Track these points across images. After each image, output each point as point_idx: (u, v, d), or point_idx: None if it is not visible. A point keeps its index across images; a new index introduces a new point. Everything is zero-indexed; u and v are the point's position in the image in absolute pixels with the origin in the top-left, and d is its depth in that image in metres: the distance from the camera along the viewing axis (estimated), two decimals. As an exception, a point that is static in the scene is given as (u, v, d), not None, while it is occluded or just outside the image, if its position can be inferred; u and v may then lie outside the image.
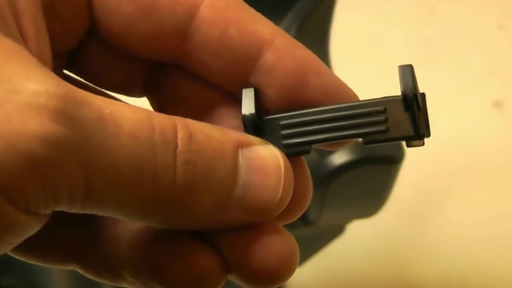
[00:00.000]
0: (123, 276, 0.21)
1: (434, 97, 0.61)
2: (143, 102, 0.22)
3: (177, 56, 0.21)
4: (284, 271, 0.21)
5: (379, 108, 0.20)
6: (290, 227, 0.31)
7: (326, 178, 0.27)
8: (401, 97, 0.19)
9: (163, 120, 0.19)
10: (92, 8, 0.21)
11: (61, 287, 0.36)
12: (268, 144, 0.20)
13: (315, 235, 0.33)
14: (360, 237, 0.48)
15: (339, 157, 0.27)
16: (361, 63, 0.57)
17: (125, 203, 0.19)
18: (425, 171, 0.53)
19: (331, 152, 0.27)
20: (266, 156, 0.20)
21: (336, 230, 0.33)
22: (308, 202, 0.22)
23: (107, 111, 0.18)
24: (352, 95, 0.21)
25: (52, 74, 0.17)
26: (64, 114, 0.17)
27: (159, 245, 0.20)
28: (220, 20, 0.21)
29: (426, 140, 0.20)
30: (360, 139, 0.20)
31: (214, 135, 0.19)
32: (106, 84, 0.22)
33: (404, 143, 0.21)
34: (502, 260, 0.51)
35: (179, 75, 0.22)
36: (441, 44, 0.60)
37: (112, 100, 0.18)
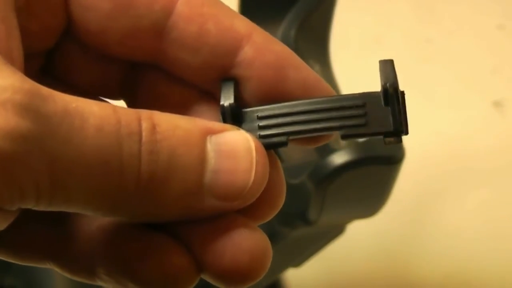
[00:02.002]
0: (98, 274, 0.21)
1: (434, 97, 0.62)
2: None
3: (154, 55, 0.21)
4: (256, 269, 0.21)
5: (359, 102, 0.20)
6: (290, 227, 0.31)
7: (326, 178, 0.27)
8: (381, 92, 0.19)
9: (128, 113, 0.19)
10: (68, 5, 0.21)
11: (60, 287, 0.36)
12: (239, 129, 0.20)
13: (315, 235, 0.33)
14: (360, 237, 0.48)
15: (339, 157, 0.27)
16: (361, 63, 0.57)
17: (92, 197, 0.19)
18: (425, 171, 0.53)
19: (331, 152, 0.27)
20: (236, 140, 0.20)
21: (336, 230, 0.33)
22: (281, 201, 0.22)
23: (73, 105, 0.18)
24: (330, 90, 0.22)
25: (18, 71, 0.18)
26: (30, 108, 0.17)
27: (132, 243, 0.20)
28: (197, 16, 0.21)
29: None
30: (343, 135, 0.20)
31: (179, 123, 0.19)
32: (83, 84, 0.22)
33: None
34: (502, 260, 0.51)
35: (156, 75, 0.22)
36: (441, 44, 0.60)
37: (78, 97, 0.18)
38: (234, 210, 0.20)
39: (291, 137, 0.20)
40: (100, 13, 0.21)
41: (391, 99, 0.19)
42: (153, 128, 0.19)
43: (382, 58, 0.21)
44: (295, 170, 0.29)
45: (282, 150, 0.29)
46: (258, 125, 0.20)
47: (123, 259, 0.21)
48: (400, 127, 0.19)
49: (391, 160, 0.28)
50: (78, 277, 0.21)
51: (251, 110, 0.21)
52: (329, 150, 0.29)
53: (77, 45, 0.21)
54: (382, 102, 0.19)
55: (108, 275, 0.21)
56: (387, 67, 0.19)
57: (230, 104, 0.20)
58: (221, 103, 0.20)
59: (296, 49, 0.32)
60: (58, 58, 0.22)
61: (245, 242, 0.20)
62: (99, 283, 0.21)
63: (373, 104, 0.20)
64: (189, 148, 0.19)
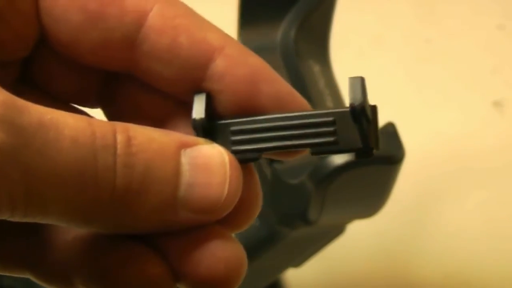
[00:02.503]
0: (75, 284, 0.21)
1: (434, 97, 0.62)
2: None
3: (127, 65, 0.21)
4: (231, 278, 0.21)
5: (329, 119, 0.20)
6: (290, 227, 0.31)
7: (326, 178, 0.27)
8: (349, 111, 0.19)
9: (104, 125, 0.19)
10: (40, 16, 0.21)
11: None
12: (213, 143, 0.20)
13: (315, 235, 0.33)
14: (360, 237, 0.48)
15: (339, 157, 0.27)
16: (361, 63, 0.57)
17: (67, 208, 0.19)
18: (425, 171, 0.53)
19: (331, 152, 0.27)
20: (210, 154, 0.20)
21: (336, 230, 0.34)
22: (257, 211, 0.22)
23: (48, 117, 0.18)
24: (303, 103, 0.21)
25: None
26: (4, 120, 0.17)
27: (108, 253, 0.21)
28: (170, 29, 0.21)
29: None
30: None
31: (154, 137, 0.20)
32: (61, 93, 0.22)
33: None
34: (502, 260, 0.51)
35: (132, 85, 0.22)
36: (441, 44, 0.60)
37: (54, 109, 0.19)
38: (208, 222, 0.21)
39: (263, 153, 0.20)
40: (70, 24, 0.21)
41: (358, 118, 0.19)
42: (128, 140, 0.19)
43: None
44: (295, 170, 0.29)
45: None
46: (231, 139, 0.20)
47: (100, 269, 0.21)
48: (368, 145, 0.20)
49: (391, 160, 0.28)
50: (55, 286, 0.21)
51: (224, 124, 0.21)
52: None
53: (52, 54, 0.22)
54: (352, 120, 0.19)
55: (85, 285, 0.21)
56: (356, 85, 0.19)
57: (201, 118, 0.20)
58: (193, 117, 0.20)
59: (296, 49, 0.33)
60: (34, 67, 0.22)
61: (221, 252, 0.21)
62: None
63: (343, 120, 0.20)
64: (164, 161, 0.20)
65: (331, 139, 0.20)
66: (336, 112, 0.20)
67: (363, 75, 0.20)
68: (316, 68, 0.33)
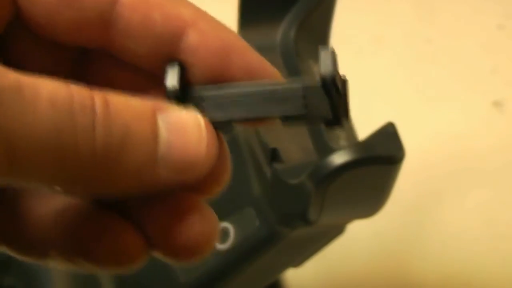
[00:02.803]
0: (51, 256, 0.22)
1: (434, 97, 0.62)
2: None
3: (103, 42, 0.22)
4: (204, 246, 0.22)
5: (299, 89, 0.21)
6: (290, 227, 0.31)
7: (326, 178, 0.27)
8: (319, 82, 0.20)
9: (82, 89, 0.20)
10: None
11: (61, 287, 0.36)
12: (186, 108, 0.21)
13: (315, 235, 0.33)
14: (360, 237, 0.48)
15: (339, 157, 0.27)
16: (361, 63, 0.57)
17: (49, 171, 0.19)
18: (425, 171, 0.53)
19: (331, 152, 0.27)
20: (186, 116, 0.21)
21: (336, 230, 0.33)
22: (228, 177, 0.23)
23: (26, 80, 0.19)
24: (275, 74, 0.22)
25: None
26: None
27: (85, 225, 0.21)
28: (143, 5, 0.22)
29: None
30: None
31: (131, 101, 0.20)
32: (35, 70, 0.22)
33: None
34: (502, 261, 0.51)
35: (107, 61, 0.23)
36: (441, 44, 0.60)
37: (31, 74, 0.19)
38: (187, 183, 0.21)
39: (234, 121, 0.21)
40: (45, 5, 0.21)
41: (328, 89, 0.20)
42: (106, 103, 0.20)
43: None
44: (295, 170, 0.29)
45: (281, 150, 0.30)
46: (203, 108, 0.21)
47: (76, 240, 0.21)
48: (338, 115, 0.20)
49: (391, 160, 0.28)
50: (31, 258, 0.22)
51: (196, 92, 0.22)
52: (329, 150, 0.29)
53: (26, 32, 0.22)
54: (322, 90, 0.20)
55: (61, 256, 0.22)
56: (327, 57, 0.20)
57: (174, 87, 0.21)
58: (166, 85, 0.21)
59: (296, 49, 0.33)
60: (9, 44, 0.22)
61: (194, 221, 0.22)
62: (51, 264, 0.22)
63: (313, 90, 0.20)
64: (142, 122, 0.20)
65: (301, 109, 0.20)
66: (307, 82, 0.20)
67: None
68: (316, 68, 0.33)
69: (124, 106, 0.20)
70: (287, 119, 0.21)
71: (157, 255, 0.22)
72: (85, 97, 0.19)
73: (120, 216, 0.22)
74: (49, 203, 0.22)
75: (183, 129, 0.21)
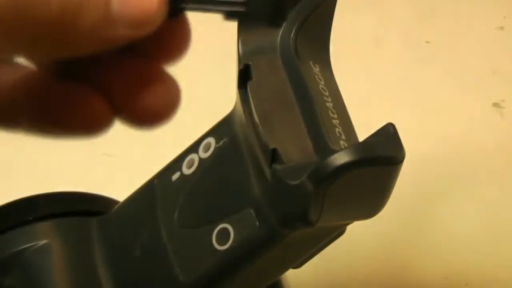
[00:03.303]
0: (21, 123, 0.23)
1: (434, 98, 0.62)
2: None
3: None
4: (166, 112, 0.25)
5: None
6: (290, 227, 0.31)
7: (326, 179, 0.27)
8: None
9: None
10: None
11: None
12: None
13: (315, 236, 0.33)
14: (360, 238, 0.48)
15: (339, 158, 0.27)
16: (361, 64, 0.57)
17: (9, 37, 0.21)
18: (425, 172, 0.53)
19: (331, 153, 0.27)
20: None
21: (336, 231, 0.33)
22: (188, 45, 0.26)
23: None
24: None
25: None
26: None
27: (51, 91, 0.23)
28: None
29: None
30: None
31: None
32: None
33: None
34: (502, 261, 0.51)
35: None
36: (441, 45, 0.61)
37: None
38: (142, 37, 0.23)
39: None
40: None
41: None
42: None
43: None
44: (295, 171, 0.29)
45: (281, 150, 0.30)
46: None
47: (44, 106, 0.23)
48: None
49: (391, 161, 0.28)
50: (2, 127, 0.24)
51: None
52: (329, 151, 0.29)
53: None
54: None
55: (30, 123, 0.23)
56: None
57: None
58: None
59: (296, 50, 0.33)
60: None
61: (157, 88, 0.24)
62: (22, 131, 0.23)
63: None
64: None
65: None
66: None
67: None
68: (316, 69, 0.33)
69: None
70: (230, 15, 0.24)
71: (122, 121, 0.24)
72: None
73: (88, 85, 0.23)
74: (15, 73, 0.23)
75: None
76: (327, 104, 0.32)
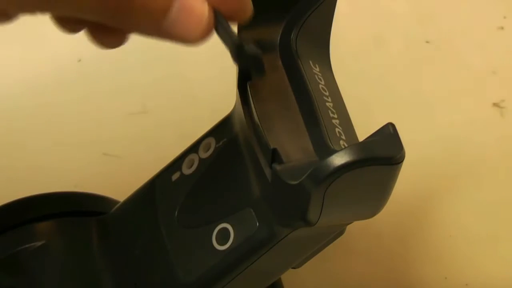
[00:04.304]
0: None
1: (434, 98, 0.61)
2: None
3: None
4: None
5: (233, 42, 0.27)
6: (290, 227, 0.31)
7: (326, 179, 0.27)
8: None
9: None
10: None
11: None
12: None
13: (314, 236, 0.33)
14: (360, 238, 0.48)
15: (339, 158, 0.27)
16: (361, 63, 0.57)
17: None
18: (425, 172, 0.53)
19: (331, 153, 0.27)
20: (197, 4, 0.26)
21: (335, 231, 0.33)
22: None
23: None
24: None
25: None
26: None
27: None
28: None
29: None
30: None
31: None
32: None
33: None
34: (502, 261, 0.51)
35: None
36: (441, 45, 0.60)
37: None
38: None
39: None
40: None
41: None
42: None
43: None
44: (295, 171, 0.29)
45: (281, 150, 0.29)
46: None
47: None
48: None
49: (391, 161, 0.28)
50: None
51: None
52: (329, 151, 0.29)
53: None
54: None
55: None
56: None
57: None
58: None
59: (296, 49, 0.32)
60: None
61: None
62: None
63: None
64: (160, 1, 0.26)
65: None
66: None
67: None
68: (316, 68, 0.33)
69: None
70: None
71: None
72: None
73: None
74: None
75: (190, 12, 0.26)
76: (327, 104, 0.32)
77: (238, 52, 0.28)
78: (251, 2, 0.28)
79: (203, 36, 0.27)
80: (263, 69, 0.29)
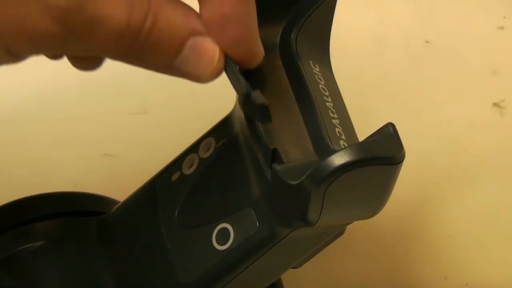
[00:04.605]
0: None
1: (434, 98, 0.62)
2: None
3: None
4: None
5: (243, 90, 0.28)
6: (290, 227, 0.31)
7: (326, 179, 0.27)
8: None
9: (139, 8, 0.25)
10: None
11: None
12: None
13: (314, 236, 0.33)
14: (360, 238, 0.48)
15: (339, 158, 0.27)
16: (361, 63, 0.57)
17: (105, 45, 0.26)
18: (425, 172, 0.53)
19: (331, 153, 0.27)
20: (209, 45, 0.27)
21: (335, 231, 0.33)
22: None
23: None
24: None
25: None
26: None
27: None
28: None
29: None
30: None
31: (176, 22, 0.26)
32: None
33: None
34: (501, 261, 0.51)
35: None
36: (441, 45, 0.60)
37: None
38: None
39: None
40: None
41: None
42: (154, 25, 0.25)
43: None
44: (295, 171, 0.29)
45: (281, 150, 0.29)
46: None
47: None
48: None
49: (391, 160, 0.28)
50: None
51: None
52: (329, 150, 0.29)
53: None
54: None
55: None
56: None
57: None
58: None
59: (296, 49, 0.32)
60: None
61: None
62: None
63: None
64: (173, 42, 0.26)
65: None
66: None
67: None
68: (316, 68, 0.33)
69: (166, 27, 0.26)
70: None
71: None
72: (139, 18, 0.25)
73: None
74: None
75: (202, 54, 0.27)
76: (327, 104, 0.32)
77: (245, 99, 0.28)
78: (261, 49, 0.29)
79: (213, 77, 0.28)
80: (269, 118, 0.29)
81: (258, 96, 0.28)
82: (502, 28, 0.61)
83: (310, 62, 0.33)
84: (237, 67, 0.28)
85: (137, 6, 0.25)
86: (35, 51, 0.25)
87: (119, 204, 0.38)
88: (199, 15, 0.27)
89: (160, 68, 0.27)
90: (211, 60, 0.27)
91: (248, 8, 0.27)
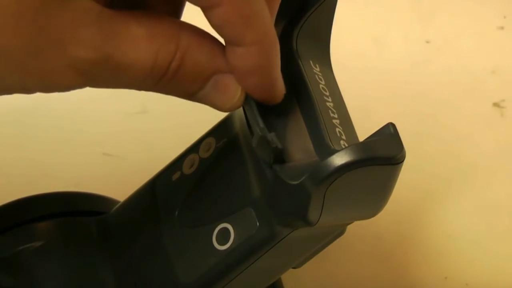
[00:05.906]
0: None
1: (434, 98, 0.61)
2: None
3: None
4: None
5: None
6: (290, 227, 0.31)
7: (326, 179, 0.27)
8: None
9: (168, 53, 0.25)
10: None
11: None
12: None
13: (315, 236, 0.33)
14: (360, 238, 0.48)
15: (340, 158, 0.27)
16: (361, 63, 0.57)
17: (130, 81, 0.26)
18: (425, 172, 0.53)
19: (332, 153, 0.27)
20: (231, 83, 0.27)
21: (336, 231, 0.33)
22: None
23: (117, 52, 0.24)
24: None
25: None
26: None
27: None
28: None
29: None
30: None
31: (201, 62, 0.26)
32: None
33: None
34: (502, 261, 0.51)
35: None
36: (441, 45, 0.60)
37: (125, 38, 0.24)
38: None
39: None
40: None
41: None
42: (178, 68, 0.26)
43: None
44: (295, 171, 0.29)
45: (283, 151, 0.29)
46: None
47: None
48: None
49: (392, 161, 0.28)
50: None
51: None
52: (329, 150, 0.29)
53: None
54: None
55: None
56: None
57: None
58: None
59: (296, 49, 0.32)
60: None
61: None
62: None
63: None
64: (196, 79, 0.27)
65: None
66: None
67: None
68: (317, 68, 0.33)
69: (191, 67, 0.26)
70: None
71: None
72: (164, 63, 0.25)
73: None
74: None
75: (223, 90, 0.27)
76: (328, 104, 0.32)
77: (259, 142, 0.28)
78: (283, 90, 0.29)
79: (232, 110, 0.28)
80: (282, 160, 0.29)
81: (273, 140, 0.28)
82: (502, 28, 0.61)
83: (311, 62, 0.33)
84: (256, 107, 0.29)
85: (163, 49, 0.25)
86: (51, 92, 0.25)
87: (119, 204, 0.38)
88: (224, 49, 0.27)
89: (180, 96, 0.27)
90: (233, 96, 0.28)
91: (271, 60, 0.27)
